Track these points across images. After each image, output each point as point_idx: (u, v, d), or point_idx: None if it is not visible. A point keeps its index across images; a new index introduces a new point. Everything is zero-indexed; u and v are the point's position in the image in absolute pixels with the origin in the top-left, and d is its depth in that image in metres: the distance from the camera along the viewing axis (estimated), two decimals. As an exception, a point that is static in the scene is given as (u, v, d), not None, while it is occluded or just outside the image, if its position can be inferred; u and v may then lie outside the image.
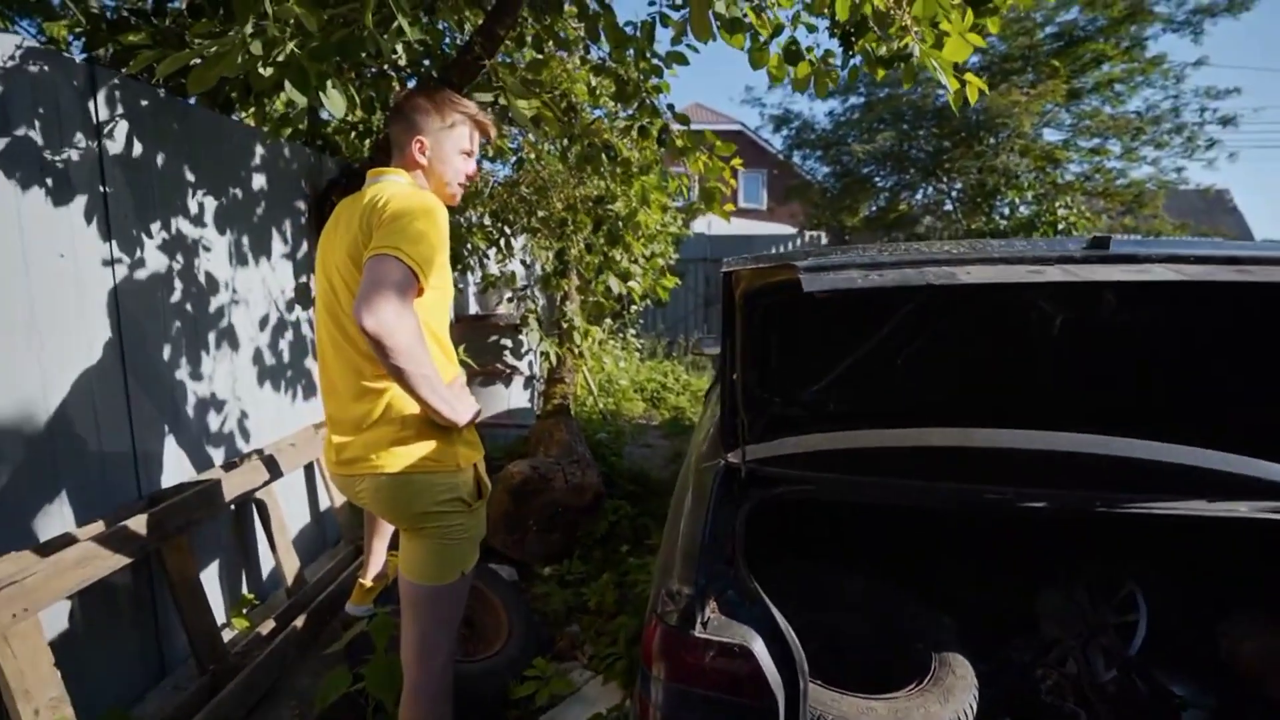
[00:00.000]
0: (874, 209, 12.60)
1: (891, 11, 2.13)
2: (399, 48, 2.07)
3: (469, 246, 4.34)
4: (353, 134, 3.35)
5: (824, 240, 12.68)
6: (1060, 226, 8.53)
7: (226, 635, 2.18)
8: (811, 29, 2.25)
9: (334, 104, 1.64)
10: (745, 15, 1.92)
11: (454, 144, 1.51)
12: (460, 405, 1.38)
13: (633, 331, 8.07)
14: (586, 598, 2.88)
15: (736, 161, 3.49)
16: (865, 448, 1.57)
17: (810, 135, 12.85)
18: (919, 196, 12.71)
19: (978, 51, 10.88)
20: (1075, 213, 8.78)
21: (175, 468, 2.07)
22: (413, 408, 1.36)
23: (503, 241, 4.41)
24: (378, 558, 1.98)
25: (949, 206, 11.88)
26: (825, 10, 2.19)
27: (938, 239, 10.96)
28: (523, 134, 4.07)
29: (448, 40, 3.21)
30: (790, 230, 14.12)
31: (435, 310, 1.43)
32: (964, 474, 1.45)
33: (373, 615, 1.86)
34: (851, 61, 2.70)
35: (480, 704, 2.12)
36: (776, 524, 1.69)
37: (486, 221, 4.17)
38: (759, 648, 1.13)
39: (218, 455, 2.32)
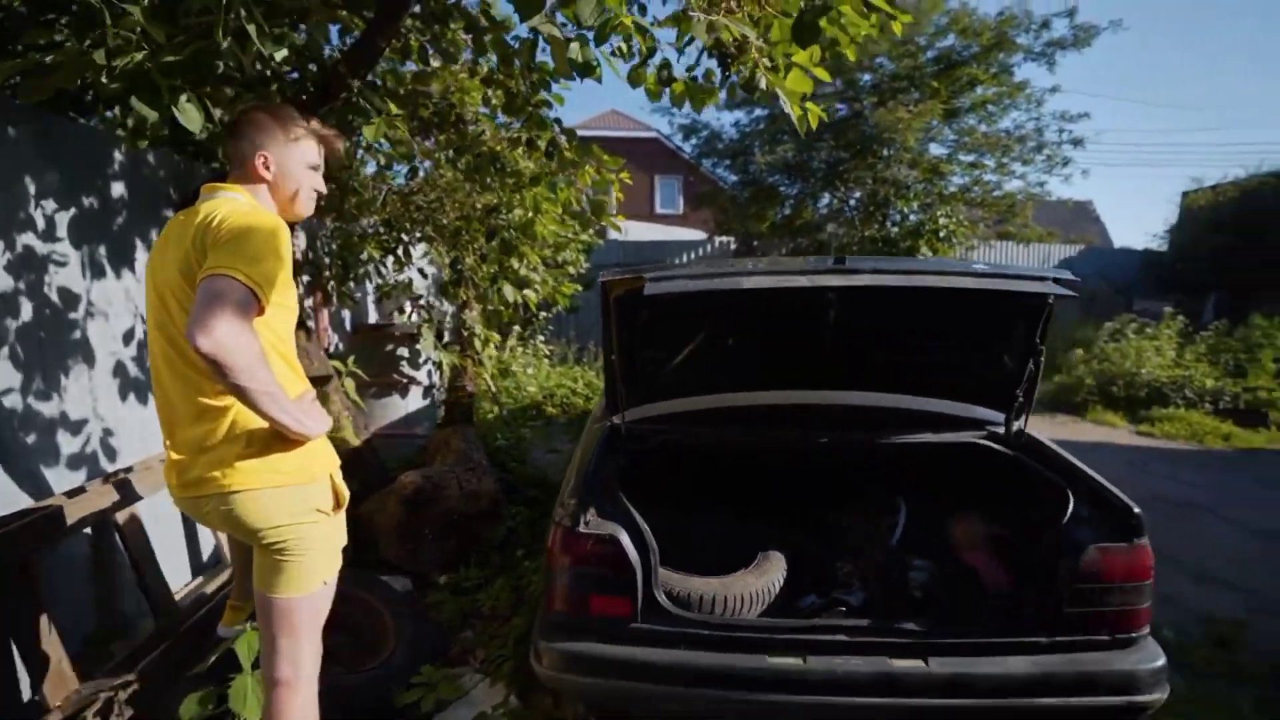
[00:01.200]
0: (781, 216, 13.21)
1: (749, 42, 2.33)
2: (267, 59, 2.05)
3: (364, 255, 4.25)
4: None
5: (733, 246, 13.16)
6: (942, 234, 9.31)
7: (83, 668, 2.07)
8: (681, 51, 2.41)
9: (189, 118, 1.63)
10: (597, 61, 2.04)
11: (299, 158, 1.51)
12: (310, 419, 1.39)
13: (542, 338, 8.09)
14: (481, 603, 2.92)
15: (624, 175, 3.63)
16: (710, 408, 2.26)
17: (718, 145, 13.30)
18: (822, 205, 13.46)
19: (868, 70, 11.68)
20: (955, 221, 9.61)
21: (17, 495, 1.95)
22: (258, 423, 1.36)
23: (400, 250, 4.35)
24: (247, 576, 1.95)
25: (848, 214, 12.65)
26: (691, 37, 2.36)
27: (838, 244, 11.64)
28: (419, 143, 4.05)
29: (331, 46, 3.17)
30: (701, 236, 14.55)
31: (280, 328, 1.44)
32: (778, 424, 2.23)
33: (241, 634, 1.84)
34: (730, 80, 2.91)
35: (363, 715, 2.13)
36: (652, 465, 2.21)
37: (380, 230, 4.11)
38: (623, 538, 1.69)
39: (77, 477, 2.21)
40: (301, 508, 1.43)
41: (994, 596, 1.98)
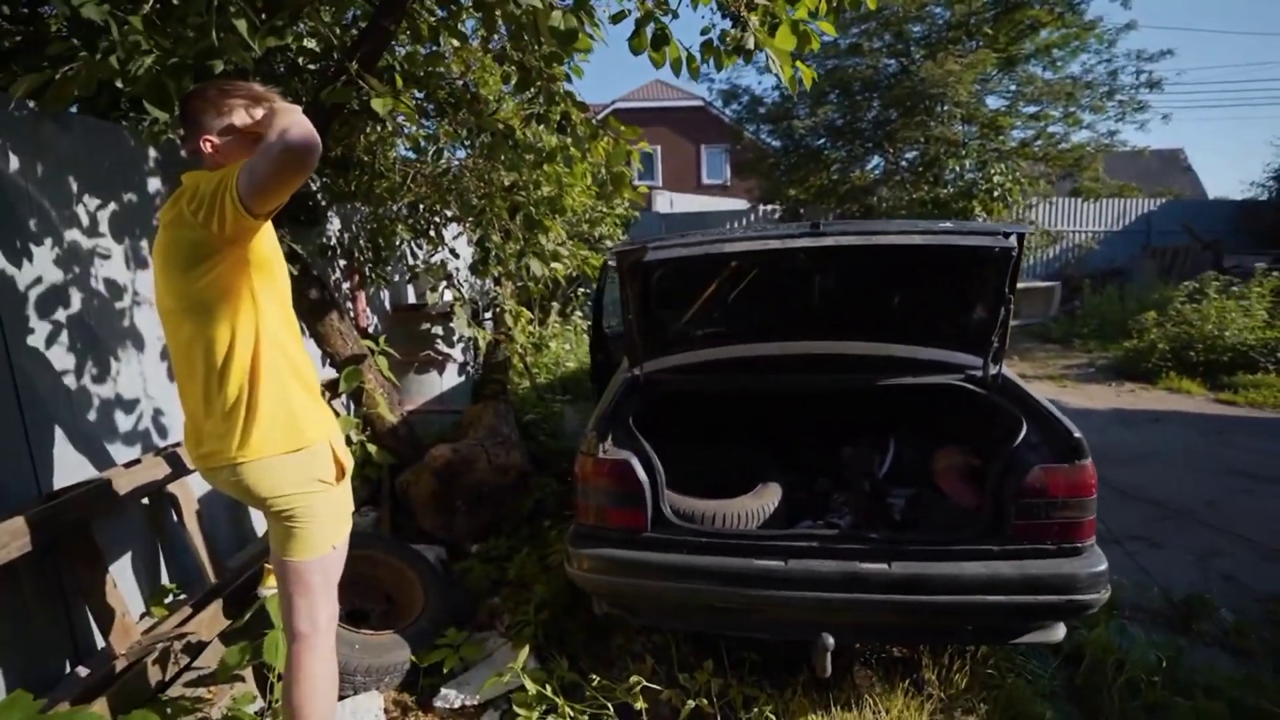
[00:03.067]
0: (828, 180, 12.75)
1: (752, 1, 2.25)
2: (278, 53, 2.13)
3: (397, 237, 4.39)
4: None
5: (777, 214, 12.83)
6: (996, 194, 8.78)
7: (147, 623, 2.29)
8: (675, 15, 2.35)
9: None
10: (581, 25, 2.02)
11: (235, 127, 1.48)
12: (277, 122, 1.33)
13: (580, 314, 8.17)
14: (509, 571, 3.04)
15: (643, 145, 3.58)
16: (717, 359, 2.55)
17: (759, 109, 12.89)
18: (870, 167, 12.90)
19: (920, 21, 11.01)
20: (1010, 178, 9.04)
21: (81, 467, 2.16)
22: (255, 397, 1.45)
23: (432, 231, 4.47)
24: None
25: (900, 176, 12.08)
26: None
27: (887, 208, 11.17)
28: (440, 124, 4.12)
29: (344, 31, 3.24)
30: (745, 205, 14.25)
31: (277, 318, 1.52)
32: (778, 371, 2.51)
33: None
34: (740, 37, 2.81)
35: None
36: (666, 409, 2.55)
37: (409, 212, 4.22)
38: (635, 462, 2.06)
39: (132, 452, 2.41)
40: (304, 477, 1.52)
41: (959, 516, 2.24)
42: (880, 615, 1.95)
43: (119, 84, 1.59)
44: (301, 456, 1.52)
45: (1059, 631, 1.97)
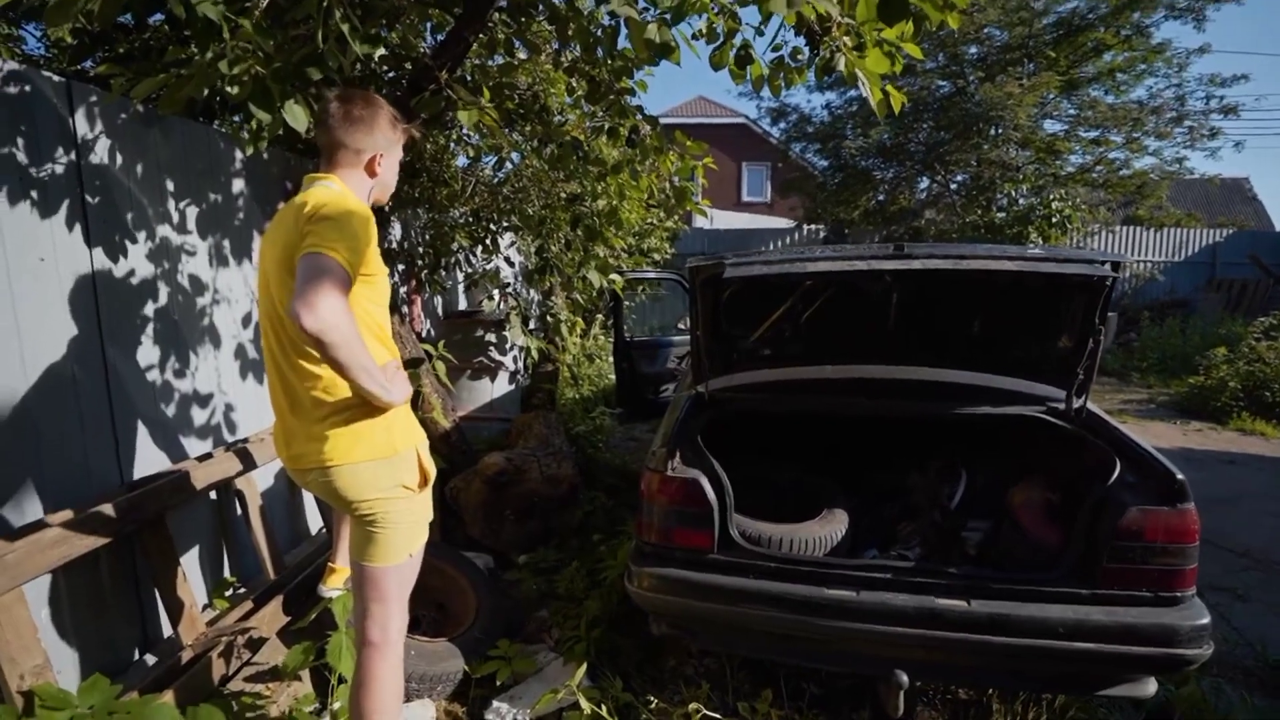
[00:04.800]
0: (875, 203, 12.58)
1: (831, 20, 2.21)
2: (364, 59, 2.18)
3: (454, 245, 4.46)
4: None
5: (822, 234, 12.69)
6: (1055, 220, 8.52)
7: (209, 615, 2.32)
8: (760, 33, 2.33)
9: (296, 119, 1.76)
10: (675, 43, 2.01)
11: (398, 155, 1.68)
12: (395, 387, 1.48)
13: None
14: (557, 584, 3.01)
15: (708, 160, 3.57)
16: (785, 380, 2.49)
17: (808, 128, 12.82)
18: (920, 190, 12.67)
19: (975, 41, 10.82)
20: (1070, 205, 8.76)
21: (159, 458, 2.21)
22: (347, 400, 1.46)
23: (489, 239, 4.53)
24: (345, 542, 2.11)
25: (949, 200, 11.84)
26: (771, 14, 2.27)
27: (936, 231, 10.94)
28: (505, 134, 4.17)
29: (425, 44, 3.32)
30: (789, 224, 14.14)
31: (371, 298, 1.54)
32: (848, 394, 2.40)
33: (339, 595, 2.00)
34: (816, 60, 2.78)
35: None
36: (732, 428, 2.53)
37: (470, 220, 4.28)
38: (704, 481, 2.01)
39: (204, 446, 2.46)
40: (388, 482, 1.52)
41: (1041, 555, 2.11)
42: (957, 655, 1.85)
43: (228, 88, 1.63)
44: (390, 463, 1.52)
45: (1150, 687, 1.84)
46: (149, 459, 2.16)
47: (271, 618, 2.26)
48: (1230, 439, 6.13)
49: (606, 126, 3.13)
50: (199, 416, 2.44)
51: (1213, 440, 6.08)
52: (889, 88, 2.06)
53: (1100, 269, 1.88)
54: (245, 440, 2.57)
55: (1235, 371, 7.04)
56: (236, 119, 2.91)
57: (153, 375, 2.21)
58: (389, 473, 1.52)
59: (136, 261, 2.13)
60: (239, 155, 2.66)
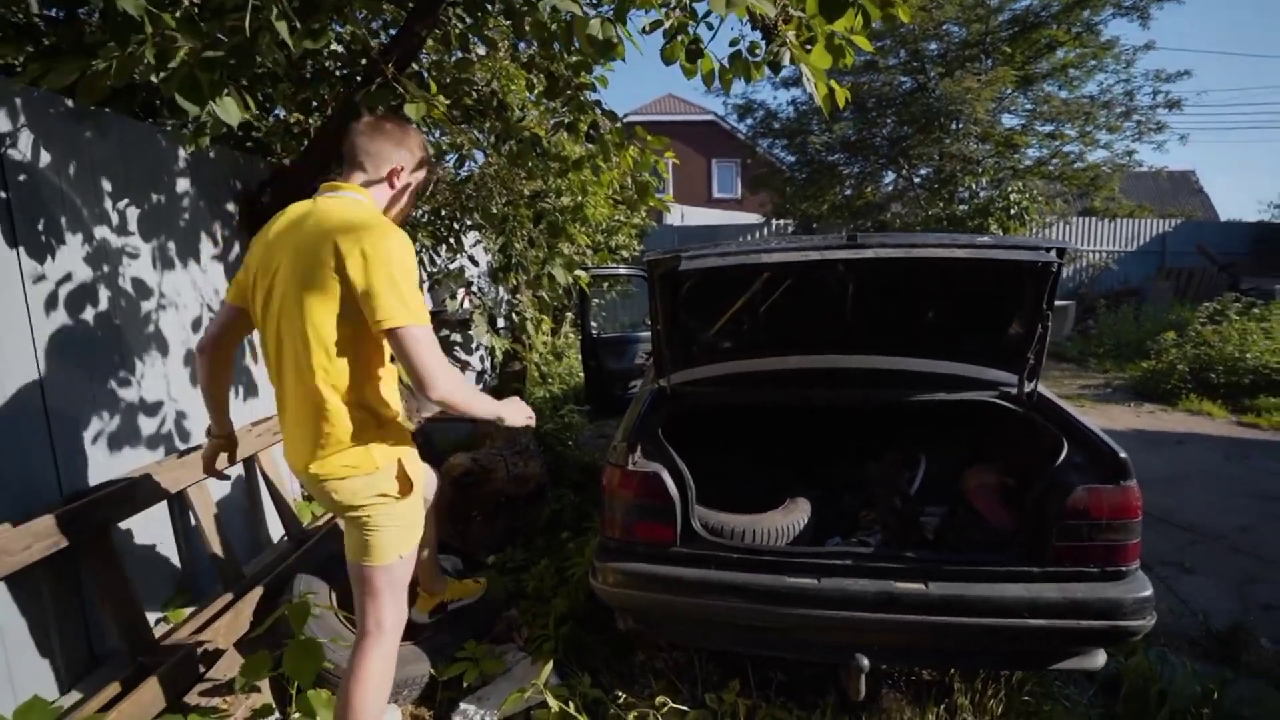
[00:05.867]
0: (841, 196, 12.74)
1: (787, 12, 2.22)
2: (312, 54, 2.13)
3: (418, 243, 4.38)
4: (286, 135, 3.38)
5: (790, 229, 12.82)
6: (1013, 211, 8.74)
7: (163, 629, 2.25)
8: (707, 25, 2.33)
9: (228, 112, 1.70)
10: (618, 38, 2.00)
11: (418, 179, 1.72)
12: (509, 410, 1.75)
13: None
14: (526, 583, 2.98)
15: (670, 154, 3.58)
16: (746, 372, 2.48)
17: (774, 124, 12.94)
18: (885, 183, 12.88)
19: (935, 38, 11.04)
20: (1028, 197, 9.00)
21: (102, 468, 2.13)
22: (338, 423, 1.53)
23: (451, 238, 4.47)
24: (433, 566, 2.42)
25: (914, 193, 12.06)
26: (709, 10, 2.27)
27: (901, 224, 11.14)
28: (463, 130, 4.12)
29: (384, 39, 3.26)
30: (758, 220, 14.26)
31: (381, 349, 1.58)
32: (808, 385, 2.43)
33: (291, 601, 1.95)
34: (765, 56, 2.79)
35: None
36: (694, 421, 2.50)
37: (432, 218, 4.22)
38: (665, 475, 2.00)
39: (154, 455, 2.38)
40: (370, 493, 1.60)
41: (996, 536, 2.17)
42: (916, 637, 1.90)
43: (153, 79, 1.57)
44: (370, 478, 1.59)
45: (1099, 659, 1.91)
46: (91, 469, 2.09)
47: (228, 629, 2.20)
48: (1180, 419, 6.37)
49: (565, 122, 3.11)
50: (147, 425, 2.36)
51: (1164, 421, 6.31)
52: (833, 84, 2.08)
53: (1044, 255, 1.91)
54: (197, 448, 2.49)
55: (1183, 355, 7.32)
56: (174, 118, 2.82)
57: (94, 382, 2.13)
58: (370, 485, 1.59)
59: (72, 263, 2.05)
60: (183, 154, 2.58)
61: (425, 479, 1.98)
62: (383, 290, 1.41)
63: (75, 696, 1.88)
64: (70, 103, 2.02)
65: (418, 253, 4.50)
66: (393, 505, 1.63)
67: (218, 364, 1.74)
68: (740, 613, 1.90)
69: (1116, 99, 10.48)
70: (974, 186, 10.13)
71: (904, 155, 11.25)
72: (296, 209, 1.58)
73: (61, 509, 1.80)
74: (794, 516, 2.23)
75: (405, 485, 1.65)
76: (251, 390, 2.98)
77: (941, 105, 9.94)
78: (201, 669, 2.04)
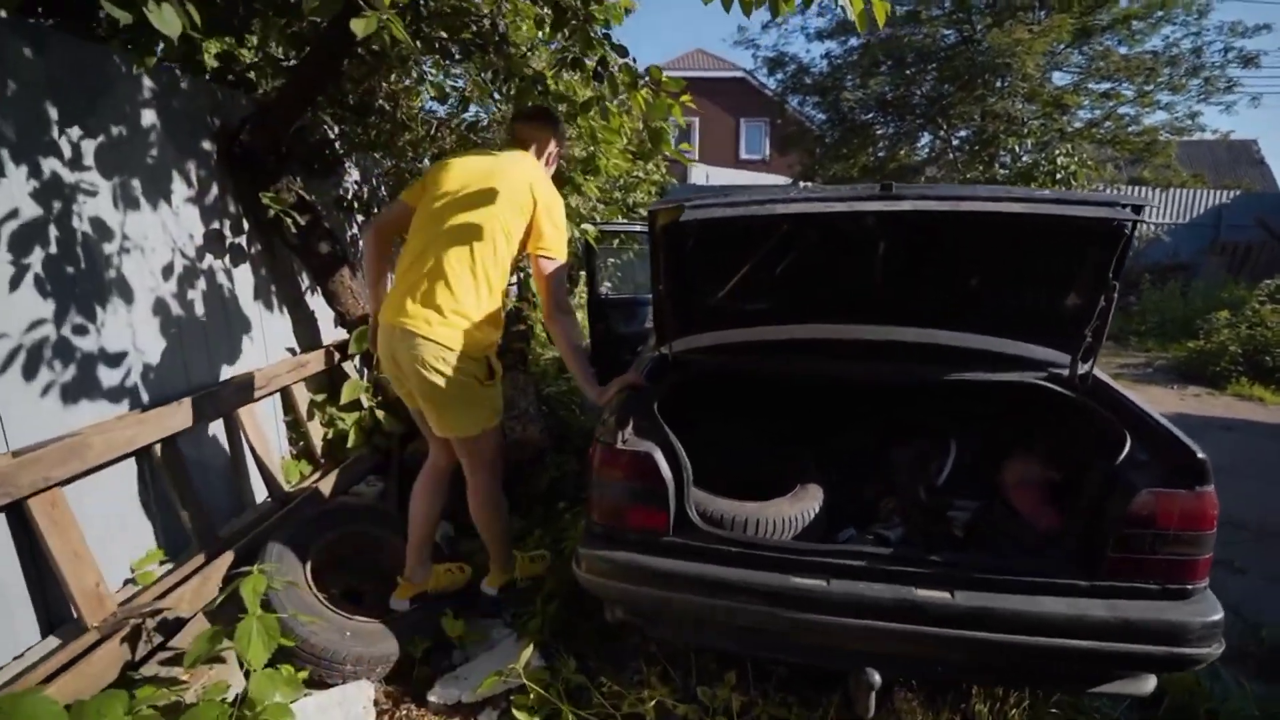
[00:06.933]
0: (874, 159, 12.13)
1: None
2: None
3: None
4: (275, 72, 3.14)
5: (819, 191, 12.30)
6: (1059, 176, 8.17)
7: (129, 591, 2.14)
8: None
9: (165, 22, 1.47)
10: None
11: (559, 152, 2.31)
12: (590, 386, 2.14)
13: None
14: (518, 554, 2.83)
15: (686, 98, 3.26)
16: (758, 340, 2.24)
17: (806, 79, 12.27)
18: (921, 145, 12.21)
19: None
20: (1077, 161, 8.39)
21: (54, 423, 1.98)
22: (479, 319, 2.02)
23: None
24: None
25: (951, 156, 11.40)
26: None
27: (936, 189, 10.57)
28: (466, 75, 3.84)
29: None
30: (785, 181, 13.69)
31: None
32: (826, 358, 2.18)
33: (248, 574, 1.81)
34: None
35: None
36: (698, 394, 2.31)
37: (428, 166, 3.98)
38: (658, 455, 1.79)
39: (117, 409, 2.23)
40: (459, 370, 1.99)
41: (1038, 539, 1.92)
42: (937, 651, 1.66)
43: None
44: (464, 355, 2.02)
45: (1149, 684, 1.66)
46: (40, 424, 1.93)
47: (194, 595, 2.08)
48: (1227, 404, 5.98)
49: (570, 57, 2.82)
50: (108, 378, 2.20)
51: (1209, 405, 5.92)
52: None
53: (1120, 213, 1.60)
54: (166, 403, 2.34)
55: (1236, 335, 6.84)
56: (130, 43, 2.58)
57: (44, 331, 1.96)
58: (462, 366, 2.00)
59: (15, 199, 1.86)
60: (148, 83, 2.35)
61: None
62: (552, 228, 2.07)
63: (27, 662, 1.77)
64: (3, 12, 1.80)
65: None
66: (478, 386, 2.07)
67: (380, 242, 2.26)
68: (739, 613, 1.69)
69: (1184, 54, 9.61)
70: (1017, 149, 9.48)
71: (943, 115, 10.59)
72: (486, 154, 2.15)
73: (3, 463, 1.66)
74: (804, 505, 2.00)
75: (492, 372, 2.13)
76: (234, 340, 2.82)
77: (988, 59, 9.24)
78: (160, 639, 1.92)
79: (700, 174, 14.18)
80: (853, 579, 1.63)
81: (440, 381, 1.97)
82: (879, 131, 12.05)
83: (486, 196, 1.99)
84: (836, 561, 1.68)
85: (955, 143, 11.30)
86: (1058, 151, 8.49)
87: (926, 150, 12.24)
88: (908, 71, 11.19)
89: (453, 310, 1.97)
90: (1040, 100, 9.97)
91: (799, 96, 12.89)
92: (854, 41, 11.59)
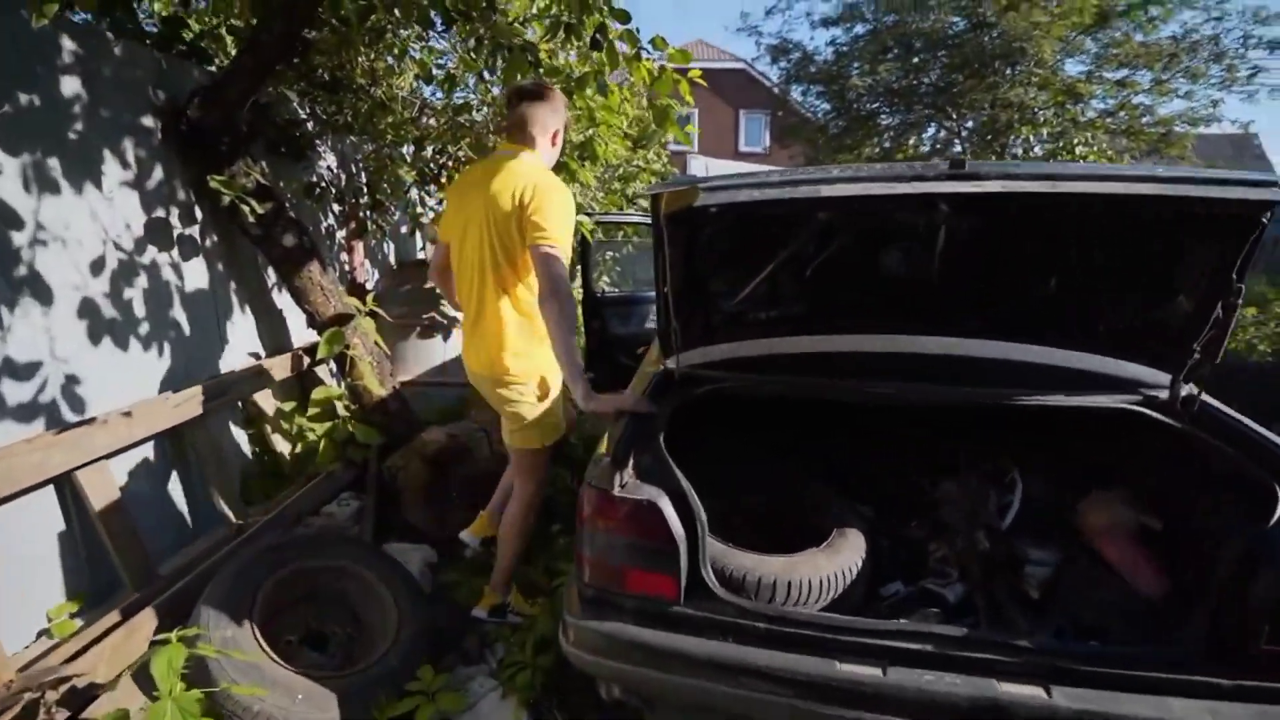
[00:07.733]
0: (879, 149, 11.77)
1: None
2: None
3: (405, 182, 3.82)
4: (229, 42, 2.79)
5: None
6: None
7: (44, 644, 1.81)
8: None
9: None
10: None
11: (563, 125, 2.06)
12: (577, 387, 1.75)
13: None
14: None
15: (695, 73, 2.92)
16: (783, 353, 1.92)
17: (810, 68, 11.90)
18: (927, 136, 11.87)
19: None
20: (1096, 151, 8.04)
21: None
22: (527, 345, 1.97)
23: (442, 175, 3.88)
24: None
25: (959, 147, 11.05)
26: None
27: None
28: (453, 52, 3.49)
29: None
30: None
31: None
32: (865, 374, 1.79)
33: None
34: None
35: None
36: (711, 420, 1.94)
37: (413, 152, 3.64)
38: (665, 505, 1.43)
39: (30, 430, 1.90)
40: (516, 391, 2.00)
41: (1147, 610, 1.56)
42: None
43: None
44: (522, 383, 2.02)
45: None
46: (-75, 451, 1.60)
47: (113, 654, 1.74)
48: (1260, 407, 5.67)
49: (566, 22, 2.47)
50: (17, 392, 1.86)
51: (1242, 409, 5.61)
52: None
53: (1259, 191, 1.25)
54: (89, 421, 2.00)
55: (1265, 334, 6.53)
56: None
57: (-73, 338, 1.63)
58: (519, 391, 2.00)
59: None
60: (70, 44, 2.01)
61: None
62: (547, 217, 1.79)
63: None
64: None
65: (405, 192, 3.95)
66: (533, 404, 2.04)
67: (445, 282, 2.22)
68: (768, 707, 1.33)
69: (1203, 40, 9.22)
70: (1030, 139, 9.13)
71: (952, 103, 10.22)
72: (486, 166, 1.98)
73: None
74: (843, 559, 1.61)
75: (544, 391, 2.06)
76: (179, 346, 2.48)
77: (1000, 45, 8.87)
78: (65, 714, 1.59)
79: (700, 165, 13.81)
80: (916, 666, 1.29)
81: (509, 409, 2.05)
82: (884, 121, 11.69)
83: (484, 231, 1.90)
84: (893, 644, 1.32)
85: (964, 133, 10.94)
86: (1076, 141, 8.15)
87: (933, 142, 11.89)
88: (915, 59, 10.82)
89: (498, 348, 1.98)
90: (1052, 89, 9.62)
91: (803, 85, 12.49)
92: (860, 29, 11.22)
